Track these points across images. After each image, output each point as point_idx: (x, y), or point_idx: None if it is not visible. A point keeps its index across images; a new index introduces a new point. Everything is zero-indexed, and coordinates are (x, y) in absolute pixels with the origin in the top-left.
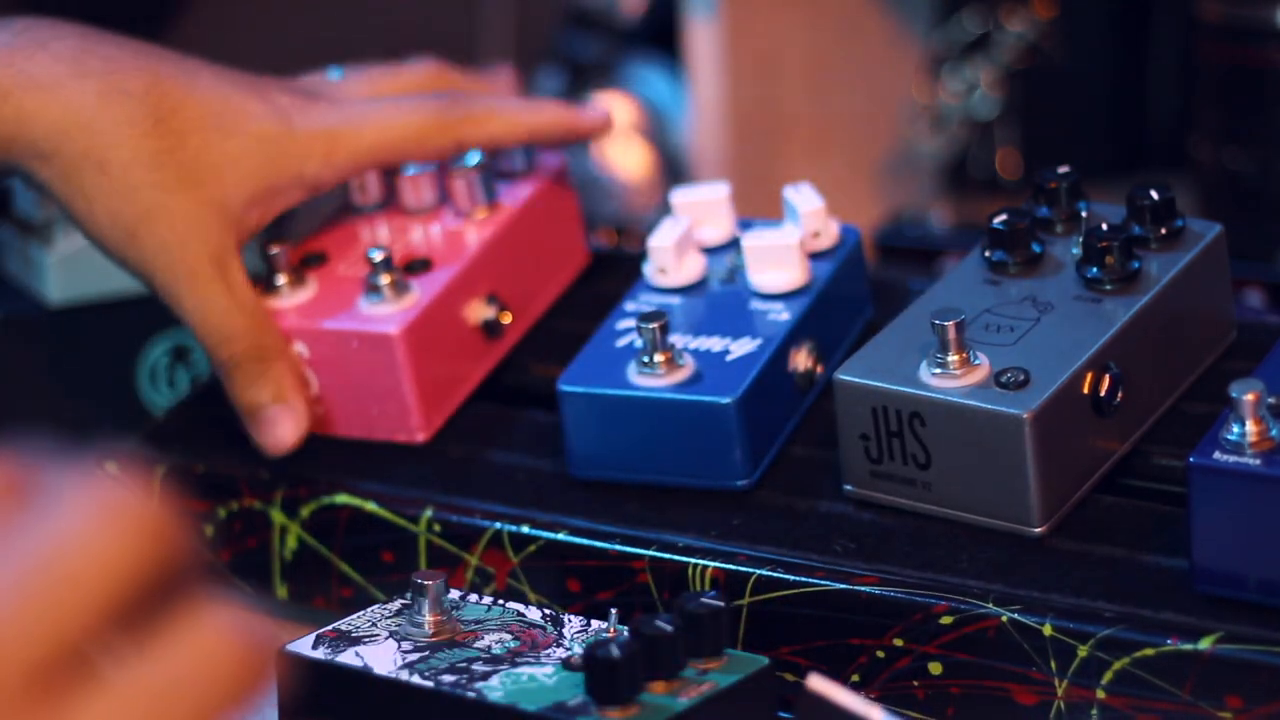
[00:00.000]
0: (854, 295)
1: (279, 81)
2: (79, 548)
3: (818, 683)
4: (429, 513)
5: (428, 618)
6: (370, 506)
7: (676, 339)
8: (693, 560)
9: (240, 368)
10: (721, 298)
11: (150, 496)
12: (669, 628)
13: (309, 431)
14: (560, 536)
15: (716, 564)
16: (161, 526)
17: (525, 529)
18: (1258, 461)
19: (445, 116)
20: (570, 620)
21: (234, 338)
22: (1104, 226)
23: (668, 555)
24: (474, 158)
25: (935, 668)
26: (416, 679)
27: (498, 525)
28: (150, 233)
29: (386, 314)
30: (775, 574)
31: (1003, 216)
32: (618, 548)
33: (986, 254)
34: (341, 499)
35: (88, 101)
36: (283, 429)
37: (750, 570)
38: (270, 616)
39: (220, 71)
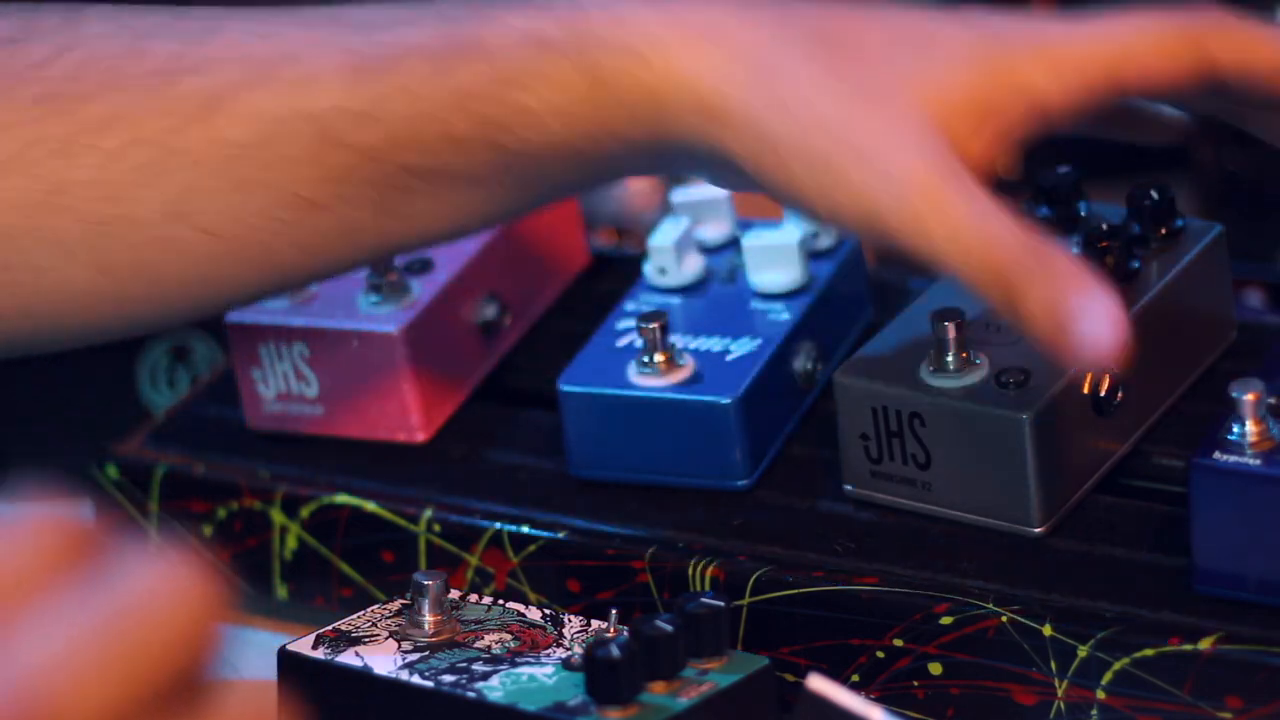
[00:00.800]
0: (854, 296)
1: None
2: (147, 614)
3: (818, 683)
4: (429, 513)
5: (428, 618)
6: (370, 506)
7: (676, 339)
8: (693, 560)
9: (1016, 273)
10: (722, 298)
11: (203, 576)
12: (669, 628)
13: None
14: (560, 536)
15: (717, 564)
16: (213, 607)
17: (525, 529)
18: (1258, 461)
19: (1192, 26)
20: (570, 620)
21: (997, 242)
22: (1104, 226)
23: (668, 555)
24: None
25: (935, 668)
26: (416, 679)
27: (498, 525)
28: (856, 161)
29: (386, 313)
30: (775, 574)
31: None
32: (618, 548)
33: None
34: (341, 499)
35: (756, 46)
36: (1096, 323)
37: (750, 570)
38: (270, 617)
39: (906, 4)
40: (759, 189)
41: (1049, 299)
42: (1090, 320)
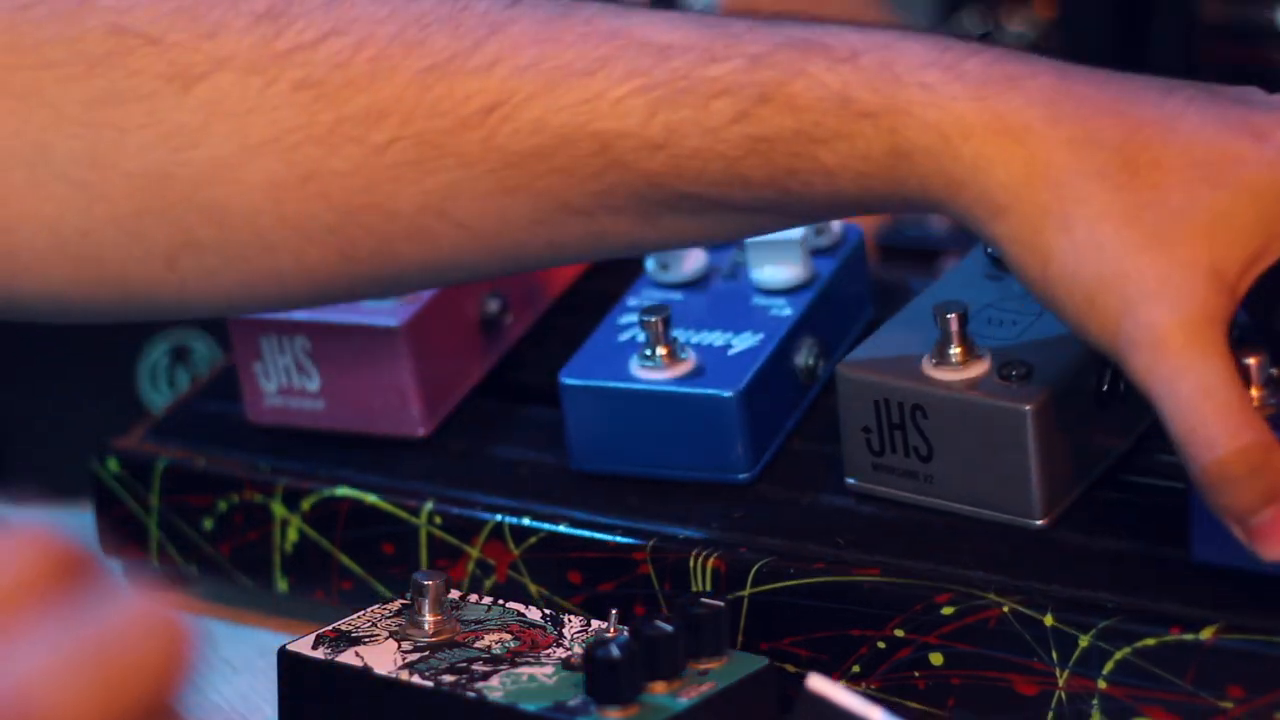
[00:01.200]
0: (855, 294)
1: (1275, 109)
2: (127, 642)
3: (818, 683)
4: (430, 505)
5: (428, 618)
6: (371, 499)
7: (678, 334)
8: (694, 551)
9: (1218, 465)
10: (724, 294)
11: (178, 613)
12: (669, 628)
13: None
14: (561, 528)
15: (718, 555)
16: (186, 643)
17: (526, 521)
18: None
19: None
20: (570, 620)
21: (1211, 427)
22: None
23: (669, 547)
24: None
25: (936, 658)
26: (416, 679)
27: (499, 517)
28: (1117, 302)
29: (389, 307)
30: (776, 565)
31: None
32: (619, 539)
33: (989, 250)
34: (342, 491)
35: (1057, 152)
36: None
37: (751, 561)
38: (270, 613)
39: (1206, 108)
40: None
41: (1240, 508)
42: (1270, 541)
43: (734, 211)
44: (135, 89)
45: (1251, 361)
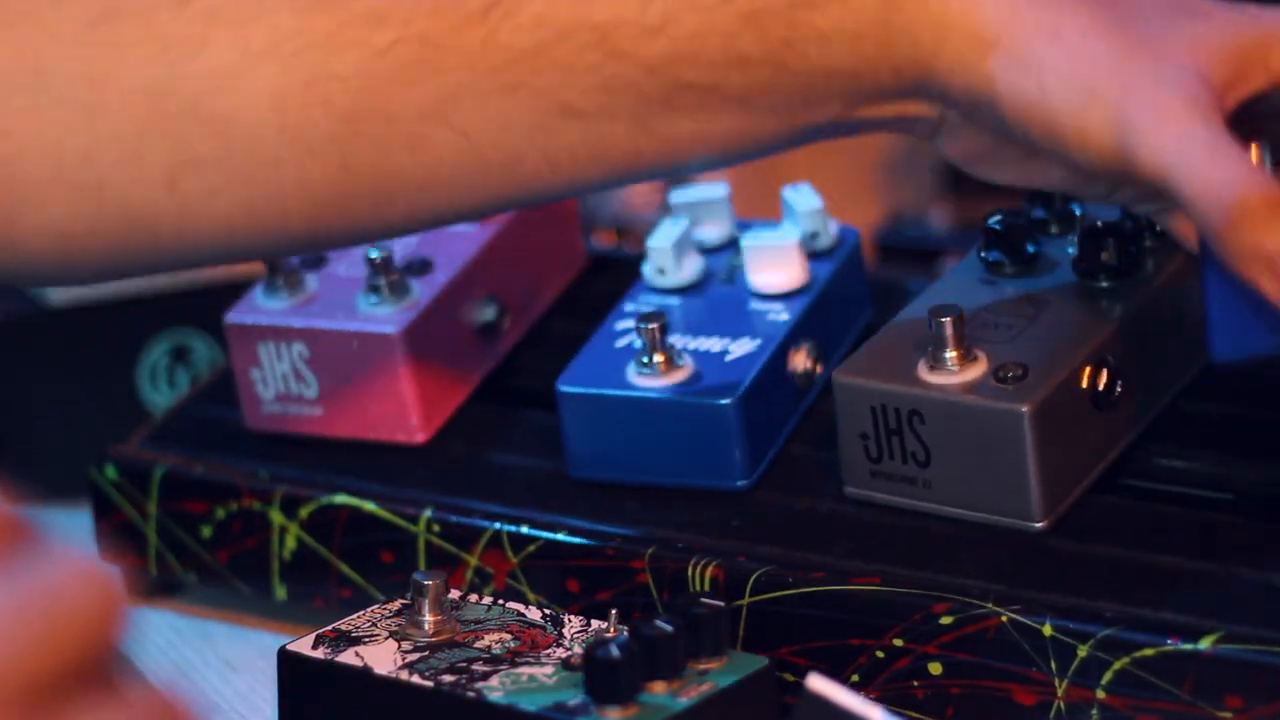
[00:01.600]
0: (853, 296)
1: None
2: (62, 600)
3: (818, 683)
4: (428, 513)
5: (428, 618)
6: (369, 507)
7: (675, 340)
8: (692, 560)
9: (1247, 204)
10: (721, 299)
11: (111, 571)
12: (669, 628)
13: None
14: (560, 537)
15: (716, 564)
16: (120, 601)
17: (525, 529)
18: None
19: None
20: (570, 620)
21: (1227, 179)
22: (1099, 223)
23: (667, 555)
24: None
25: (935, 668)
26: (416, 679)
27: (497, 525)
28: (1112, 84)
29: (386, 314)
30: (775, 574)
31: (999, 217)
32: (617, 548)
33: (983, 254)
34: (340, 499)
35: None
36: None
37: (750, 570)
38: (269, 617)
39: None
40: (999, 135)
41: (1269, 241)
42: None
43: (731, 106)
44: (132, 4)
45: (1253, 150)
